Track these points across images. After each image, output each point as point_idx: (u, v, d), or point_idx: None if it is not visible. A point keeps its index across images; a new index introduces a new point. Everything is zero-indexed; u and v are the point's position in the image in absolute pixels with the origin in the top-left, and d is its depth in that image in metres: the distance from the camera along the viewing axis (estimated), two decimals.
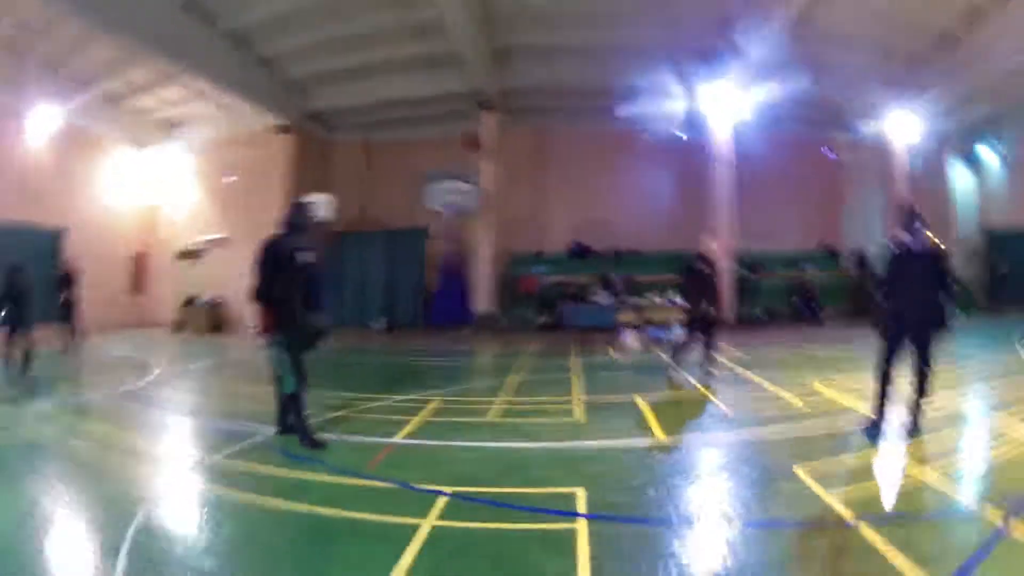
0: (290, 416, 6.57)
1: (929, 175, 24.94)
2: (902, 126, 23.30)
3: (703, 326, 10.14)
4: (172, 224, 25.17)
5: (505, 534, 4.17)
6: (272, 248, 6.56)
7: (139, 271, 25.03)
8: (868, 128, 23.92)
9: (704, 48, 19.29)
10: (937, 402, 7.82)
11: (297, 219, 6.86)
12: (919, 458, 5.78)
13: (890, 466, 5.69)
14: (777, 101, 20.78)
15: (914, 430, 6.61)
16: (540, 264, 23.96)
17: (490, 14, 18.18)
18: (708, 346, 10.22)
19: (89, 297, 17.58)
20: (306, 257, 6.79)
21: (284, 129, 22.50)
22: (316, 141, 24.28)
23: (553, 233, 25.18)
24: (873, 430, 6.69)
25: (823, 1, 17.08)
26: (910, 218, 6.90)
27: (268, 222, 20.94)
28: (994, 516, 4.35)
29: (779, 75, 20.06)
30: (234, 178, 23.14)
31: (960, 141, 26.66)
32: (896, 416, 6.85)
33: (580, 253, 24.50)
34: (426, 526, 4.23)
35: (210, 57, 18.33)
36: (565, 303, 20.50)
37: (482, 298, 21.49)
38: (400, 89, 22.09)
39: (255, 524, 4.41)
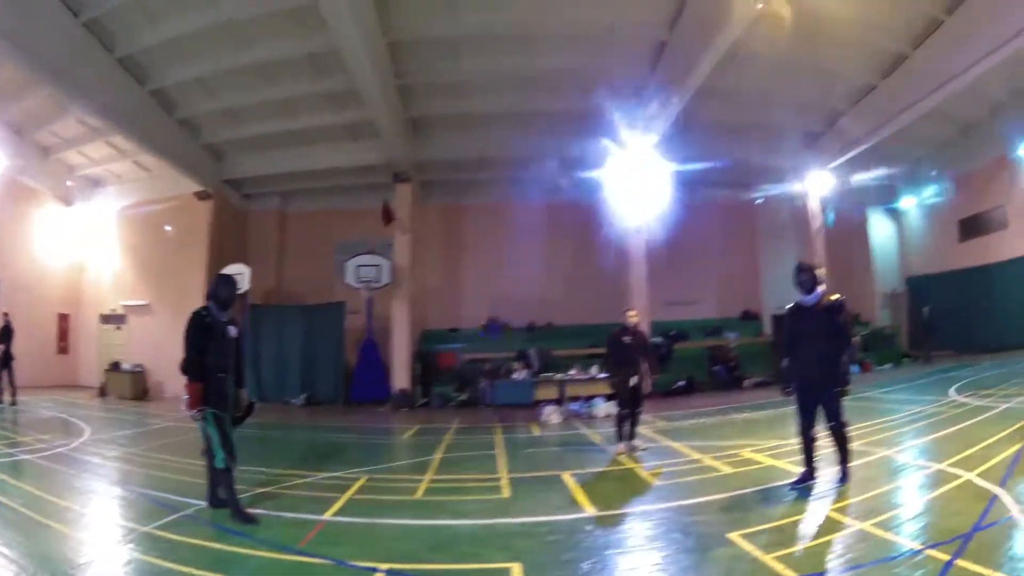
0: (221, 490, 6.51)
1: (849, 229, 26.02)
2: (820, 184, 24.05)
3: (632, 398, 10.40)
4: (96, 286, 24.68)
5: None
6: (201, 321, 6.60)
7: (63, 331, 24.40)
8: (786, 188, 24.63)
9: (618, 115, 19.53)
10: (872, 453, 8.40)
11: (224, 292, 6.89)
12: (855, 510, 5.98)
13: (826, 521, 5.85)
14: (692, 166, 21.19)
15: (843, 481, 6.84)
16: (456, 340, 24.03)
17: (405, 83, 18.49)
18: (633, 418, 10.42)
19: (18, 354, 17.49)
20: (235, 331, 6.93)
21: (204, 195, 22.35)
22: (233, 209, 24.18)
23: (468, 308, 25.36)
24: (801, 484, 6.93)
25: (737, 60, 17.64)
26: (803, 276, 7.16)
27: (186, 290, 20.90)
28: (939, 555, 4.57)
29: (695, 141, 20.85)
30: (169, 228, 22.81)
31: (879, 193, 27.78)
32: (825, 470, 7.13)
33: (496, 329, 24.65)
34: None
35: (137, 115, 18.19)
36: (483, 380, 20.33)
37: (400, 375, 21.23)
38: (317, 159, 22.32)
39: None
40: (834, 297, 7.14)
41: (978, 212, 25.38)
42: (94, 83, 16.16)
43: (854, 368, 22.40)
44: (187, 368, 6.42)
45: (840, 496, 6.50)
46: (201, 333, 6.53)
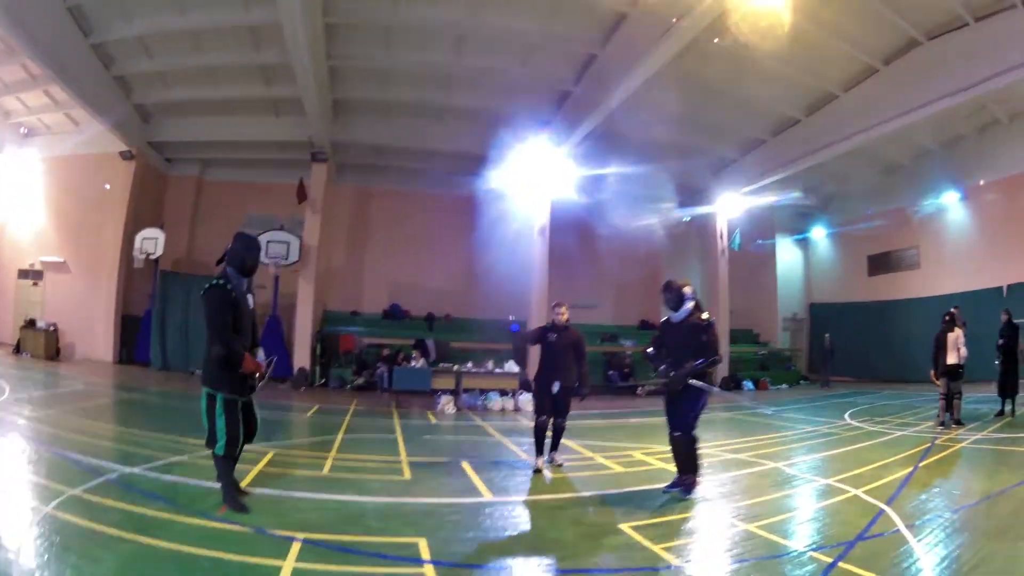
0: (220, 476, 5.86)
1: (756, 252, 26.63)
2: (730, 206, 24.57)
3: (554, 406, 8.63)
4: (16, 239, 23.34)
5: None
6: (228, 296, 5.69)
7: None
8: (696, 207, 24.98)
9: (537, 120, 20.02)
10: (761, 464, 8.76)
11: (252, 259, 5.99)
12: (741, 513, 6.21)
13: (714, 520, 6.11)
14: (605, 178, 21.63)
15: (687, 492, 6.79)
16: (356, 324, 23.95)
17: (335, 64, 18.49)
18: (555, 430, 8.73)
19: None
20: (253, 300, 6.12)
21: (128, 156, 21.51)
22: (154, 172, 23.39)
23: (369, 293, 25.36)
24: (674, 488, 6.95)
25: (658, 81, 17.65)
26: (668, 295, 7.20)
27: (101, 250, 20.34)
28: (823, 558, 4.81)
29: (609, 152, 20.92)
30: (108, 187, 21.75)
31: (789, 221, 28.73)
32: (709, 476, 7.29)
33: (396, 316, 24.72)
34: (287, 567, 4.34)
35: (77, 66, 17.48)
36: (381, 365, 20.17)
37: (302, 354, 21.06)
38: (240, 130, 22.02)
39: (126, 558, 4.41)
40: (704, 316, 7.14)
41: (889, 250, 26.54)
42: (42, 26, 15.57)
43: (748, 384, 23.44)
44: (231, 357, 5.61)
45: (727, 503, 6.72)
46: (229, 309, 5.66)
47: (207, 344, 5.72)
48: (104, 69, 18.60)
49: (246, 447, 5.93)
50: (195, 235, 24.23)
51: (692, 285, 7.37)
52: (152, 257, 21.37)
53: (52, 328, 21.30)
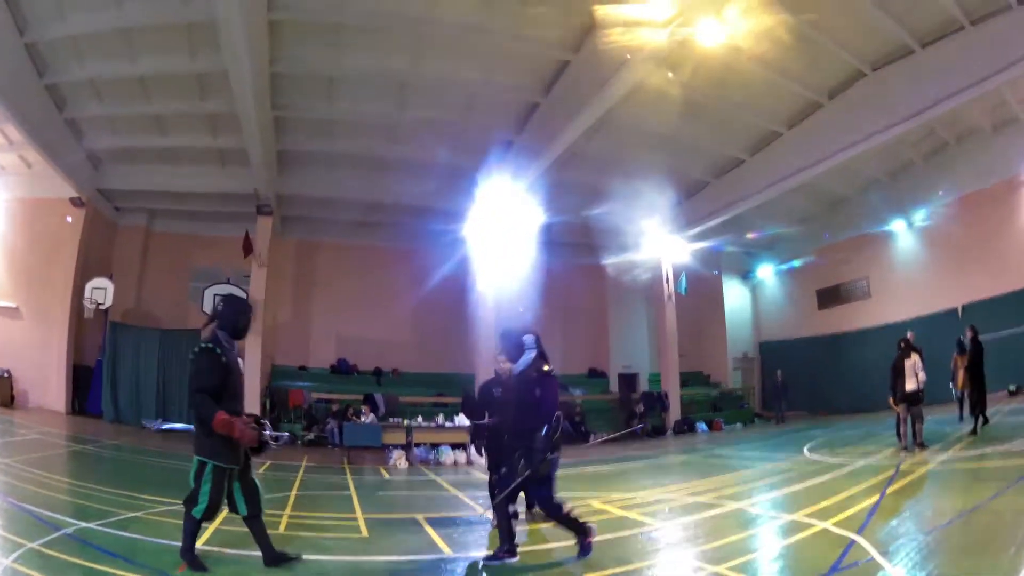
0: (186, 540, 5.61)
1: (703, 294, 26.80)
2: (674, 250, 24.77)
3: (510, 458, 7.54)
4: None
5: None
6: (218, 361, 5.50)
7: None
8: (640, 253, 25.10)
9: (483, 170, 20.11)
10: (723, 505, 8.70)
11: (244, 321, 5.86)
12: (708, 556, 6.12)
13: (679, 566, 6.04)
14: (549, 225, 21.84)
15: (581, 554, 6.23)
16: (304, 379, 23.81)
17: (280, 115, 18.61)
18: (527, 491, 7.26)
19: None
20: (242, 364, 5.97)
21: (79, 202, 21.15)
22: (103, 221, 22.98)
23: (317, 347, 25.27)
24: (495, 561, 6.23)
25: (604, 127, 18.19)
26: (503, 343, 6.74)
27: (51, 297, 20.20)
28: None
29: (553, 201, 21.13)
30: (70, 219, 21.26)
31: (735, 261, 29.13)
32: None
33: (344, 370, 24.67)
34: None
35: (31, 105, 17.16)
36: (331, 420, 20.09)
37: (251, 409, 20.49)
38: (187, 180, 21.85)
39: None
40: (546, 368, 6.42)
41: (839, 283, 27.00)
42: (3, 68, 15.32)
43: (702, 426, 23.66)
44: (212, 420, 5.33)
45: (690, 543, 6.73)
46: (218, 373, 5.47)
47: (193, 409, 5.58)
48: (57, 111, 18.36)
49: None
50: (143, 286, 23.87)
51: (534, 332, 6.65)
52: (102, 307, 20.98)
53: (6, 374, 20.51)
